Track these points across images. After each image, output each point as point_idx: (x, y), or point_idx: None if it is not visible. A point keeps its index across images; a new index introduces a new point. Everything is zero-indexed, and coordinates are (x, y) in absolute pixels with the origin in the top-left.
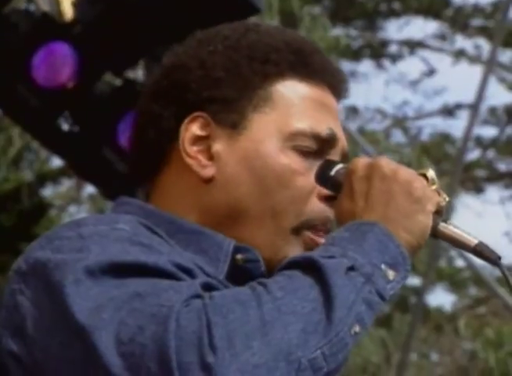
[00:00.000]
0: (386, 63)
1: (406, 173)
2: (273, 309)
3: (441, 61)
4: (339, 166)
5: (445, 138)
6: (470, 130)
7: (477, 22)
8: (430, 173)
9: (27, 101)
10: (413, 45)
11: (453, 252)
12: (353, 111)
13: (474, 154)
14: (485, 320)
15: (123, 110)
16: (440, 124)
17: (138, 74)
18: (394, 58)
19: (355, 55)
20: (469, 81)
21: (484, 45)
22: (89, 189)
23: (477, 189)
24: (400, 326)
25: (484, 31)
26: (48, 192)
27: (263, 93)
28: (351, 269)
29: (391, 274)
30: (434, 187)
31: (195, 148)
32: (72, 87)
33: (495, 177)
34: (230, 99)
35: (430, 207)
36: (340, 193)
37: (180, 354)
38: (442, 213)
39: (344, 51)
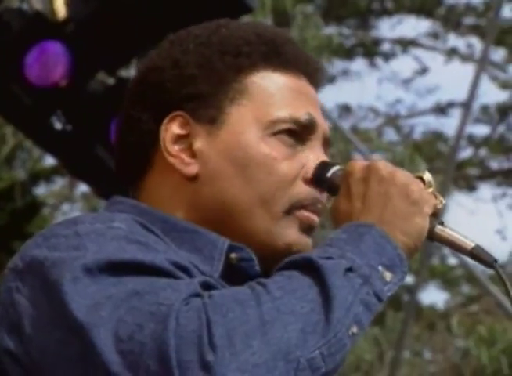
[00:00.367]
0: (379, 61)
1: (403, 176)
2: (272, 309)
3: (434, 60)
4: (336, 168)
5: (437, 136)
6: (462, 128)
7: (469, 20)
8: (427, 176)
9: (20, 100)
10: (406, 44)
11: (446, 250)
12: (346, 110)
13: (466, 153)
14: (478, 318)
15: (116, 109)
16: (432, 122)
17: (131, 72)
18: (387, 56)
19: (348, 53)
20: (461, 80)
21: (477, 44)
22: (82, 187)
23: (470, 187)
24: (393, 324)
25: (476, 30)
26: (41, 190)
27: (238, 86)
28: (349, 270)
29: (388, 276)
30: (430, 190)
31: (176, 147)
32: (65, 86)
33: (488, 175)
34: (206, 94)
35: (427, 210)
36: (336, 194)
37: (180, 352)
38: (439, 216)
39: (337, 49)
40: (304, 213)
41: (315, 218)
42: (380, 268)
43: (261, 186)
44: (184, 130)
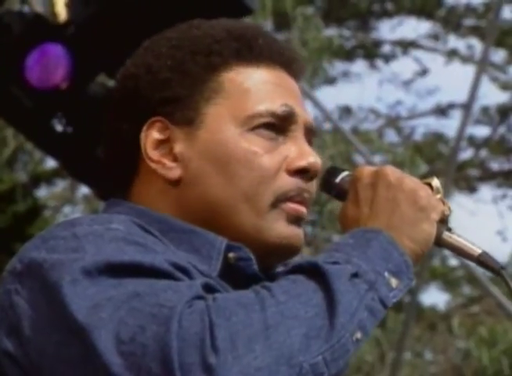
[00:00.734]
0: (379, 63)
1: (411, 182)
2: (276, 313)
3: (434, 61)
4: (344, 173)
5: (438, 137)
6: (462, 129)
7: (469, 22)
8: (435, 182)
9: (21, 102)
10: (406, 45)
11: (447, 251)
12: (346, 111)
13: (466, 154)
14: (479, 319)
15: None
16: (433, 123)
17: None
18: (387, 58)
19: (348, 55)
20: (462, 81)
21: (477, 45)
22: (83, 189)
23: (470, 188)
24: (394, 325)
25: (476, 31)
26: (42, 193)
27: (213, 85)
28: (355, 275)
29: (394, 282)
30: (438, 196)
31: (158, 152)
32: (65, 88)
33: (488, 176)
34: (182, 97)
35: (435, 216)
36: (344, 200)
37: (182, 355)
38: (446, 222)
39: (337, 51)
40: (290, 205)
41: (303, 209)
42: (386, 274)
43: (244, 182)
44: (163, 135)
